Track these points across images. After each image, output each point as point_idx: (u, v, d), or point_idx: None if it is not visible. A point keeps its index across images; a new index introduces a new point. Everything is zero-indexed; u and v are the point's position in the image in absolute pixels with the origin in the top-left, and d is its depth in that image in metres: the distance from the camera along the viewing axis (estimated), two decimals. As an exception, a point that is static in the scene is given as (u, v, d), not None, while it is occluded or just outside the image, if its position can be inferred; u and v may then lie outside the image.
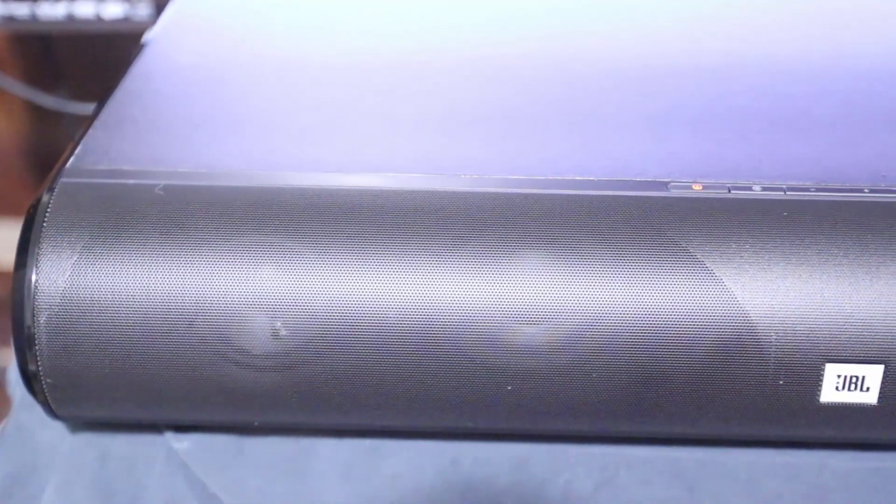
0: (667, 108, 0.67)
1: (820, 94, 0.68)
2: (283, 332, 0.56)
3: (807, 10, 0.82)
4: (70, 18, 1.06)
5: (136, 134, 0.65)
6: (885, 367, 0.55)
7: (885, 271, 0.55)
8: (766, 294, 0.55)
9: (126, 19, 1.03)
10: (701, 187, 0.58)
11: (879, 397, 0.56)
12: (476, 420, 0.59)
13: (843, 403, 0.56)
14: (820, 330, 0.54)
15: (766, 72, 0.71)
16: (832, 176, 0.59)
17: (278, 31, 0.80)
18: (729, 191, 0.58)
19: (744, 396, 0.56)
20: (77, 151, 0.62)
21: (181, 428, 0.63)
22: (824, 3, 0.84)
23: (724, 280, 0.55)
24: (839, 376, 0.55)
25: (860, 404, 0.56)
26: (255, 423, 0.61)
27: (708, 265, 0.55)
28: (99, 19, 1.04)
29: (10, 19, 1.07)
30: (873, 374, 0.55)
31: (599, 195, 0.58)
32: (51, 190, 0.58)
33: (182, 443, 0.63)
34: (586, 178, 0.59)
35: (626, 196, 0.57)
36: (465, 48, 0.76)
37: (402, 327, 0.56)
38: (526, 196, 0.58)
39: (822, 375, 0.55)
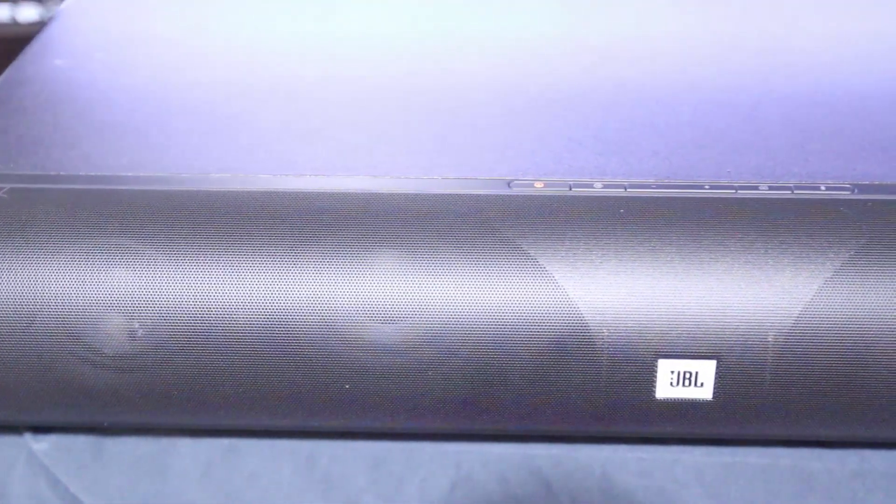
0: (520, 107, 0.67)
1: (675, 94, 0.69)
2: (140, 334, 0.57)
3: (666, 14, 0.83)
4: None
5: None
6: (718, 362, 0.55)
7: (716, 267, 0.55)
8: (598, 291, 0.55)
9: (41, 23, 1.04)
10: (543, 185, 0.58)
11: (714, 392, 0.56)
12: (328, 418, 0.59)
13: (678, 399, 0.56)
14: (651, 326, 0.55)
15: (619, 72, 0.72)
16: (678, 173, 0.60)
17: (150, 38, 0.81)
18: (570, 188, 0.58)
19: (580, 393, 0.56)
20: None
21: (40, 429, 0.64)
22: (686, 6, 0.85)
23: (556, 278, 0.55)
24: (672, 372, 0.55)
25: (695, 400, 0.56)
26: (112, 424, 0.61)
27: (542, 263, 0.55)
28: (15, 23, 1.05)
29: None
30: (706, 370, 0.55)
31: (443, 194, 0.58)
32: None
33: (41, 444, 0.63)
34: (432, 177, 0.59)
35: (467, 194, 0.58)
36: (319, 50, 0.77)
37: (254, 328, 0.56)
38: (374, 195, 0.58)
39: (656, 371, 0.55)
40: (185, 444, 0.63)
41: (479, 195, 0.58)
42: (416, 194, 0.58)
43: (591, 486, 0.62)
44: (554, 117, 0.66)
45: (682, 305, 0.55)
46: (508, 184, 0.58)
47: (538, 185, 0.58)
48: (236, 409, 0.59)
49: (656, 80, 0.71)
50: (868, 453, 0.61)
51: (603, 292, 0.55)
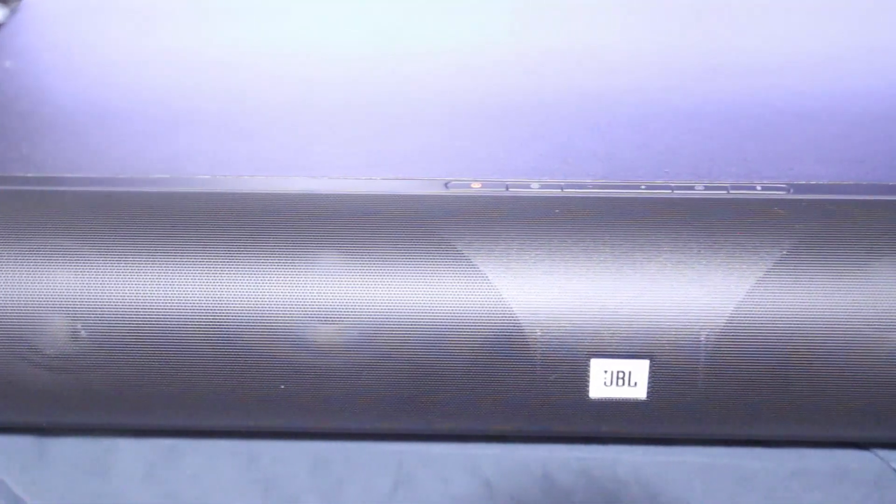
0: (460, 109, 0.67)
1: (615, 96, 0.69)
2: (82, 335, 0.57)
3: (608, 20, 0.84)
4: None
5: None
6: (651, 361, 0.55)
7: (649, 267, 0.55)
8: (532, 291, 0.55)
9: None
10: (480, 185, 0.59)
11: (648, 392, 0.56)
12: (266, 419, 0.59)
13: (612, 399, 0.56)
14: (584, 326, 0.55)
15: (558, 75, 0.72)
16: (615, 174, 0.60)
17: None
18: (507, 188, 0.58)
19: (515, 393, 0.56)
20: None
21: (-20, 430, 0.64)
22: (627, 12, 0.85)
23: (490, 278, 0.55)
24: (606, 372, 0.56)
25: (630, 399, 0.56)
26: (54, 425, 0.61)
27: (475, 263, 0.55)
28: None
29: None
30: (640, 369, 0.55)
31: (379, 194, 0.58)
32: None
33: (-18, 444, 0.64)
34: (370, 178, 0.60)
35: (403, 195, 0.58)
36: (259, 52, 0.78)
37: (191, 329, 0.56)
38: (311, 196, 0.58)
39: (589, 371, 0.55)
40: (127, 445, 0.63)
41: (415, 195, 0.58)
42: (353, 195, 0.58)
43: (531, 486, 0.62)
44: (494, 118, 0.66)
45: (615, 305, 0.55)
46: (445, 184, 0.59)
47: (475, 185, 0.58)
48: (177, 410, 0.59)
49: (596, 83, 0.72)
50: (807, 452, 0.62)
51: (536, 292, 0.55)
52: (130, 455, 0.63)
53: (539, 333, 0.55)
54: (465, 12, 0.85)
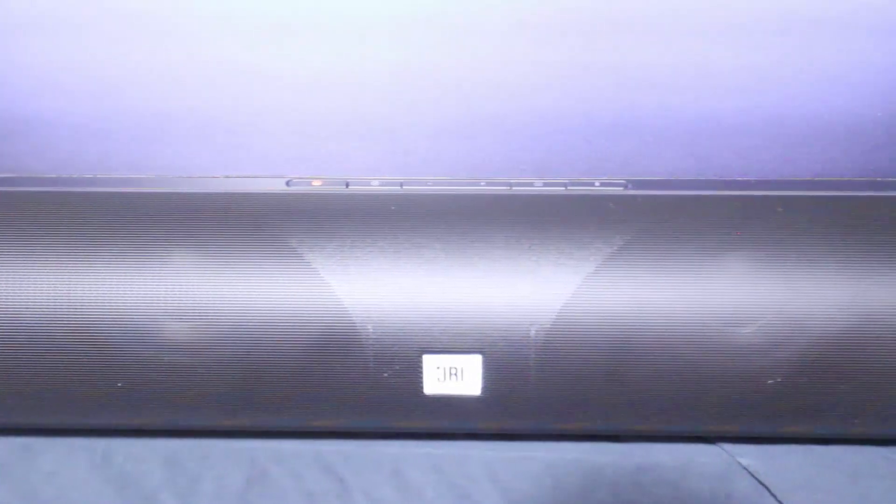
0: (308, 107, 0.68)
1: (463, 95, 0.69)
2: None
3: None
4: None
5: None
6: (483, 357, 0.55)
7: (481, 263, 0.55)
8: (364, 289, 0.55)
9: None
10: (321, 183, 0.59)
11: (482, 387, 0.56)
12: (107, 415, 0.59)
13: (447, 395, 0.57)
14: (415, 322, 0.55)
15: (404, 75, 0.72)
16: (457, 170, 0.60)
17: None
18: (347, 185, 0.58)
19: (350, 389, 0.56)
20: None
21: None
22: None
23: (323, 275, 0.55)
24: (438, 367, 0.56)
25: (464, 395, 0.57)
26: None
27: (308, 260, 0.55)
28: None
29: None
30: (472, 365, 0.56)
31: (219, 192, 0.58)
32: None
33: None
34: (214, 176, 0.60)
35: (242, 193, 0.58)
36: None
37: (43, 325, 0.56)
38: (160, 195, 0.58)
39: (422, 367, 0.56)
40: (-20, 444, 0.64)
41: (254, 193, 0.58)
42: (192, 193, 0.58)
43: (383, 482, 0.62)
44: (344, 116, 0.67)
45: (447, 302, 0.55)
46: (287, 182, 0.59)
47: (316, 182, 0.59)
48: (29, 408, 0.59)
49: (447, 83, 0.72)
50: (654, 447, 0.62)
51: (368, 289, 0.55)
52: (-16, 454, 0.63)
53: (371, 330, 0.55)
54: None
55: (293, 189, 0.58)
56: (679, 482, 0.61)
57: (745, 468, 0.61)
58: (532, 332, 0.55)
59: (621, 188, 0.58)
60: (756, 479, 0.61)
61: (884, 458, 0.61)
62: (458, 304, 0.55)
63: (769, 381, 0.56)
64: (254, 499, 0.62)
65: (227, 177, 0.60)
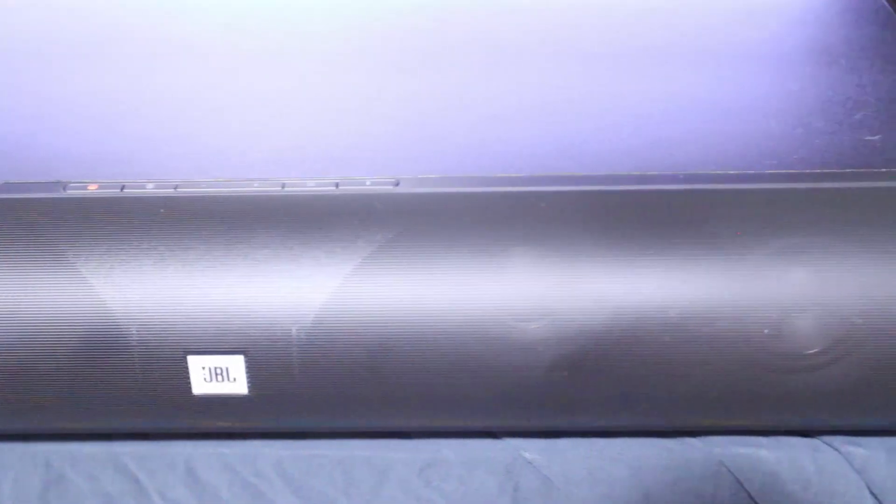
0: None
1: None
2: None
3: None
4: None
5: None
6: (246, 356, 0.56)
7: (242, 263, 0.55)
8: (128, 290, 0.56)
9: None
10: (97, 186, 0.59)
11: (249, 386, 0.57)
12: None
13: (216, 394, 0.57)
14: (178, 323, 0.56)
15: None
16: (246, 172, 0.61)
17: None
18: (122, 189, 0.59)
19: (119, 391, 0.57)
20: None
21: None
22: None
23: (87, 277, 0.56)
24: (204, 368, 0.56)
25: (233, 394, 0.57)
26: None
27: (74, 262, 0.56)
28: None
29: None
30: (236, 365, 0.56)
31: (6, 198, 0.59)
32: None
33: None
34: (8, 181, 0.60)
35: (19, 199, 0.58)
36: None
37: None
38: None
39: (188, 368, 0.56)
40: None
41: (29, 199, 0.58)
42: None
43: (176, 482, 0.63)
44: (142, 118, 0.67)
45: (208, 302, 0.56)
46: (64, 186, 0.59)
47: (92, 186, 0.59)
48: None
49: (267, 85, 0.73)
50: (441, 442, 0.62)
51: (133, 292, 0.56)
52: None
53: (135, 331, 0.56)
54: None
55: (70, 193, 0.59)
56: (466, 477, 0.62)
57: (529, 462, 0.62)
58: (294, 331, 0.55)
59: (392, 186, 0.58)
60: (540, 472, 0.61)
61: (667, 449, 0.62)
62: (220, 305, 0.56)
63: (538, 376, 0.56)
64: (52, 501, 0.63)
65: (7, 182, 0.60)
